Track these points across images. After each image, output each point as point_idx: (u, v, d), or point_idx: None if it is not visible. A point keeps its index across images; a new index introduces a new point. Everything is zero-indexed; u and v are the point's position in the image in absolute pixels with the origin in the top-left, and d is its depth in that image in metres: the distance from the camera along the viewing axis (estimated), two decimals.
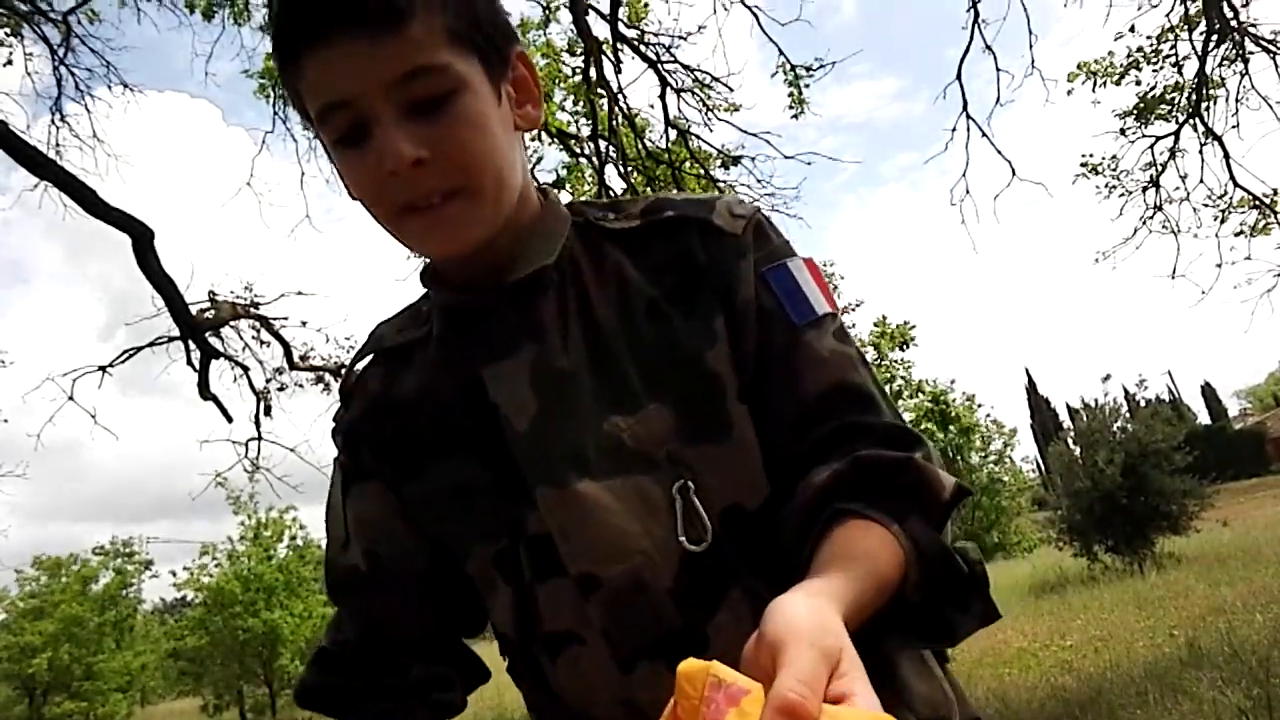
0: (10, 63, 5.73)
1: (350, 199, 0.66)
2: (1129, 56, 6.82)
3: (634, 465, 0.64)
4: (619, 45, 5.84)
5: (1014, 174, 5.96)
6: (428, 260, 0.73)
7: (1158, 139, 6.96)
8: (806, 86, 5.99)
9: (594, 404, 0.65)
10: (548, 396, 0.65)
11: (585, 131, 6.61)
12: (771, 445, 0.66)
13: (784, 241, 0.70)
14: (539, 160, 7.04)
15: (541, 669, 0.69)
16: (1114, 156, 7.31)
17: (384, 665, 0.73)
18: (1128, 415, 13.15)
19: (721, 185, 6.96)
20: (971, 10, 5.40)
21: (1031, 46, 5.61)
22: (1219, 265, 6.92)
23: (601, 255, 0.69)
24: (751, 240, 0.67)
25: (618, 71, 5.98)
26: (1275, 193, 6.85)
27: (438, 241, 0.64)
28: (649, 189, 6.77)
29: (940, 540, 0.57)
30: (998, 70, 5.62)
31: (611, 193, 6.79)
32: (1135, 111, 6.98)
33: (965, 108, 5.79)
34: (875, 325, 10.95)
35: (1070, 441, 13.28)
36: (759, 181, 6.28)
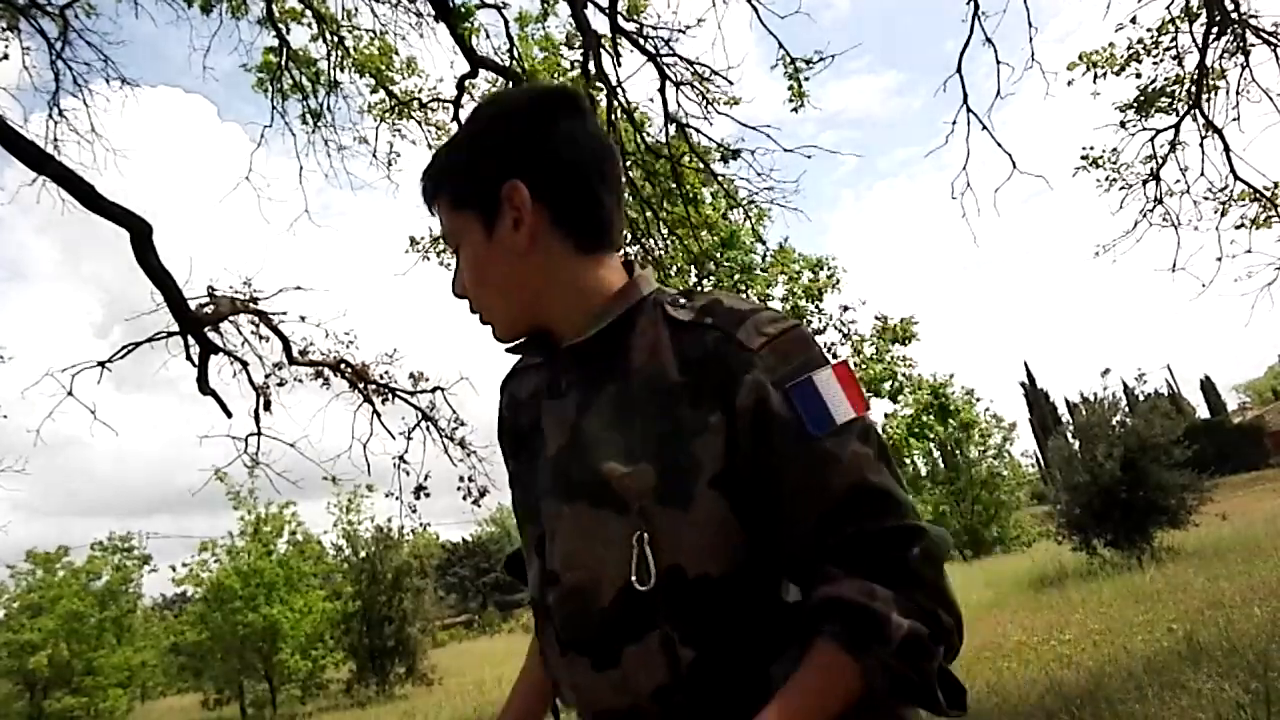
0: (7, 57, 5.70)
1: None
2: (1129, 48, 6.80)
3: (612, 505, 0.80)
4: (618, 38, 5.82)
5: (1014, 167, 5.94)
6: None
7: (1158, 132, 6.95)
8: (806, 80, 5.97)
9: (603, 448, 0.82)
10: (573, 433, 0.86)
11: None
12: (789, 540, 0.78)
13: (815, 354, 0.81)
14: None
15: (542, 634, 0.92)
16: (1114, 149, 7.29)
17: None
18: (1127, 409, 13.16)
19: (721, 179, 6.94)
20: (971, 2, 5.37)
21: (1032, 39, 5.58)
22: (1219, 259, 6.91)
23: (657, 334, 0.84)
24: (770, 356, 0.79)
25: (617, 65, 5.96)
26: (1276, 186, 6.84)
27: (491, 331, 0.94)
28: (648, 183, 6.74)
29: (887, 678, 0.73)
30: (998, 63, 5.59)
31: None
32: (1135, 104, 6.96)
33: (965, 100, 5.76)
34: (876, 320, 10.91)
35: (1069, 436, 13.28)
36: (759, 175, 6.25)
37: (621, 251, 0.93)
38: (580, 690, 0.85)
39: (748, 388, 0.77)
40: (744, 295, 11.76)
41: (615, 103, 6.01)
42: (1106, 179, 7.41)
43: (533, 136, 0.86)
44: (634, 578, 0.77)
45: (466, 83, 6.45)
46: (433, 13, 6.09)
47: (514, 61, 6.21)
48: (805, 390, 0.77)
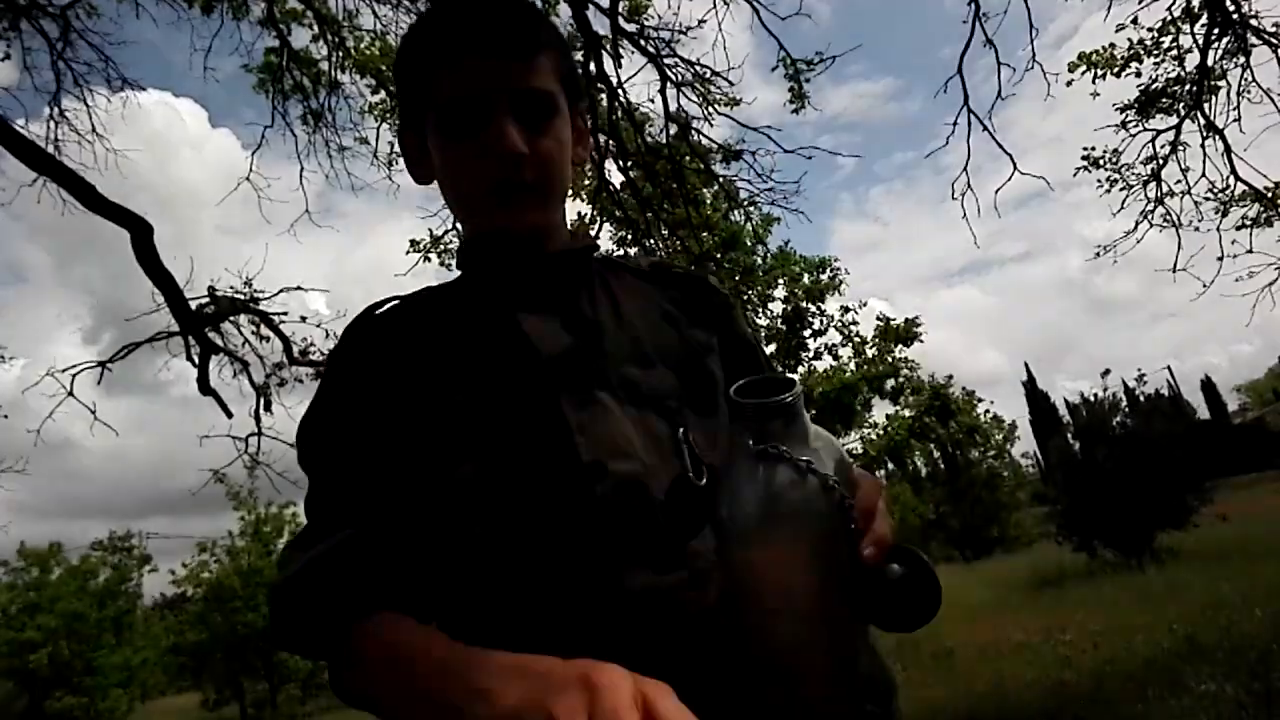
0: (8, 57, 5.69)
1: (416, 183, 0.92)
2: (1130, 49, 6.80)
3: (646, 405, 0.81)
4: (619, 39, 5.81)
5: (1015, 168, 5.93)
6: (466, 242, 0.91)
7: (1159, 133, 6.95)
8: (807, 81, 5.97)
9: (614, 352, 0.82)
10: (578, 336, 0.82)
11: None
12: None
13: None
14: None
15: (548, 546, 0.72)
16: (1115, 150, 7.30)
17: None
18: (1127, 410, 13.16)
19: (722, 180, 6.94)
20: (972, 4, 5.36)
21: (1033, 40, 5.58)
22: (1220, 259, 6.92)
23: (620, 274, 0.93)
24: (736, 302, 1.01)
25: (617, 66, 5.95)
26: (1277, 186, 6.84)
27: (511, 214, 0.82)
28: (649, 184, 6.74)
29: None
30: (999, 64, 5.58)
31: (611, 187, 6.77)
32: (1136, 105, 6.96)
33: (966, 102, 5.75)
34: (879, 321, 10.91)
35: (1070, 436, 13.28)
36: (759, 176, 6.24)
37: None
38: (640, 599, 0.71)
39: (738, 322, 0.96)
40: (744, 297, 11.72)
41: (616, 103, 6.01)
42: (1108, 179, 7.42)
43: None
44: (691, 473, 0.76)
45: None
46: None
47: None
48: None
